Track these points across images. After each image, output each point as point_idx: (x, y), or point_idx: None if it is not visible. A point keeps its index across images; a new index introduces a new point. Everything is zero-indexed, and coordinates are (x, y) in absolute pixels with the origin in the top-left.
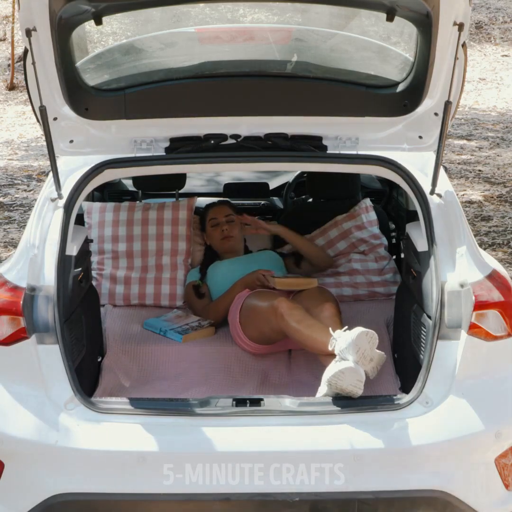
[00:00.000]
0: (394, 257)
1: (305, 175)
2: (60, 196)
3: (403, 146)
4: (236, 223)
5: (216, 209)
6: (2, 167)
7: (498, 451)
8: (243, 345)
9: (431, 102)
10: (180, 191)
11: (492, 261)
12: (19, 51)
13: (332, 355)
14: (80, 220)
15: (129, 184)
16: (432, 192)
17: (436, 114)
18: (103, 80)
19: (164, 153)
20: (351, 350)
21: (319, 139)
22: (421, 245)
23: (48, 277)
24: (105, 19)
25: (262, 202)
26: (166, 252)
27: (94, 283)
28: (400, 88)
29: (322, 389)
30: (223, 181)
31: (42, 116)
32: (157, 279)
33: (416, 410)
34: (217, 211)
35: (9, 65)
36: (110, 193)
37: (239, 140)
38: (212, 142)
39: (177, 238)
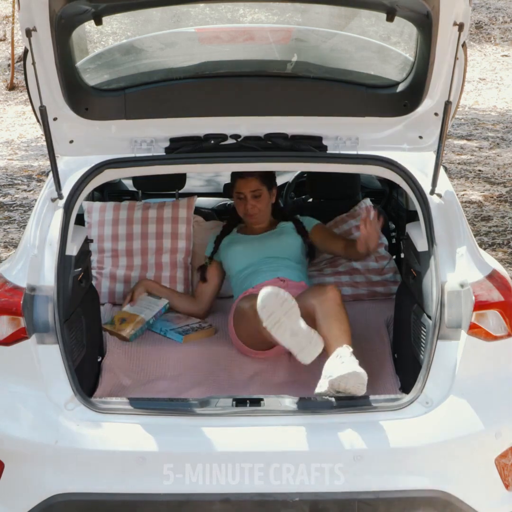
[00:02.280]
0: (394, 257)
1: (305, 175)
2: (60, 196)
3: (403, 146)
4: (264, 196)
5: (243, 182)
6: (2, 167)
7: (498, 451)
8: (241, 350)
9: (431, 102)
10: (180, 191)
11: (492, 261)
12: (19, 51)
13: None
14: (80, 220)
15: (129, 184)
16: (432, 192)
17: (436, 114)
18: (103, 80)
19: (164, 153)
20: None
21: (319, 139)
22: (421, 245)
23: (48, 277)
24: (105, 19)
25: None
26: (166, 251)
27: (94, 282)
28: (400, 88)
29: (323, 384)
30: (223, 181)
31: (42, 116)
32: (157, 277)
33: (416, 410)
34: (244, 185)
35: (9, 65)
36: (110, 193)
37: (239, 140)
38: (212, 142)
39: (177, 236)
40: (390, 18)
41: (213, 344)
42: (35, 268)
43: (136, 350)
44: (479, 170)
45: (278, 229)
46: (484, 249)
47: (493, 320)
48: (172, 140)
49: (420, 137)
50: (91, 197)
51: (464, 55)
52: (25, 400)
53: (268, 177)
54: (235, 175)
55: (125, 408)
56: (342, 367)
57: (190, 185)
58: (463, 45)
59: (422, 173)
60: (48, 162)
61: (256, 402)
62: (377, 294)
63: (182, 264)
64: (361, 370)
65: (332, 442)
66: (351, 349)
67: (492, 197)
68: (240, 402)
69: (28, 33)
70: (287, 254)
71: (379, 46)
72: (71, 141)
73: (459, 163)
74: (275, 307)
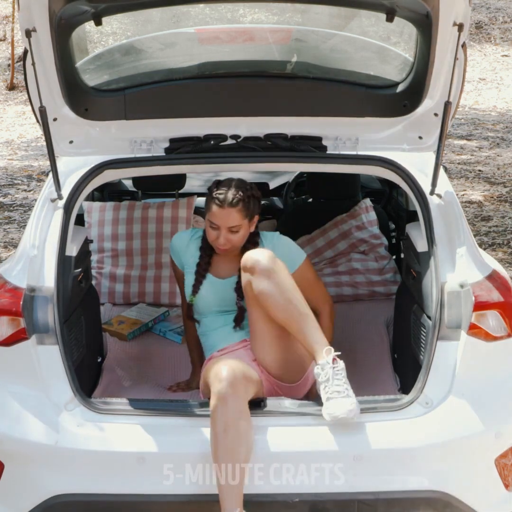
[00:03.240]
0: (394, 257)
1: (305, 175)
2: (60, 197)
3: (403, 147)
4: (243, 230)
5: (221, 213)
6: (2, 167)
7: (498, 451)
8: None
9: (431, 103)
10: (180, 191)
11: (492, 262)
12: (19, 51)
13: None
14: (80, 221)
15: (129, 184)
16: (432, 193)
17: (436, 114)
18: (103, 80)
19: (164, 154)
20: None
21: (319, 139)
22: (421, 245)
23: (48, 278)
24: (105, 19)
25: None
26: (165, 250)
27: (93, 281)
28: (400, 88)
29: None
30: None
31: (42, 117)
32: (157, 277)
33: (416, 410)
34: (221, 217)
35: (9, 65)
36: (110, 193)
37: (239, 140)
38: (212, 142)
39: None
40: (389, 19)
41: None
42: (35, 268)
43: (136, 350)
44: (479, 170)
45: None
46: (484, 249)
47: (493, 320)
48: (172, 141)
49: (420, 137)
50: (91, 197)
51: (464, 55)
52: (25, 400)
53: (254, 204)
54: (212, 199)
55: (125, 408)
56: (328, 408)
57: (190, 185)
58: (463, 45)
59: (422, 173)
60: (48, 162)
61: (256, 403)
62: (377, 294)
63: None
64: (342, 412)
65: (332, 442)
66: (326, 365)
67: (492, 197)
68: None
69: (28, 33)
70: None
71: (378, 47)
72: (71, 142)
73: (459, 163)
74: None
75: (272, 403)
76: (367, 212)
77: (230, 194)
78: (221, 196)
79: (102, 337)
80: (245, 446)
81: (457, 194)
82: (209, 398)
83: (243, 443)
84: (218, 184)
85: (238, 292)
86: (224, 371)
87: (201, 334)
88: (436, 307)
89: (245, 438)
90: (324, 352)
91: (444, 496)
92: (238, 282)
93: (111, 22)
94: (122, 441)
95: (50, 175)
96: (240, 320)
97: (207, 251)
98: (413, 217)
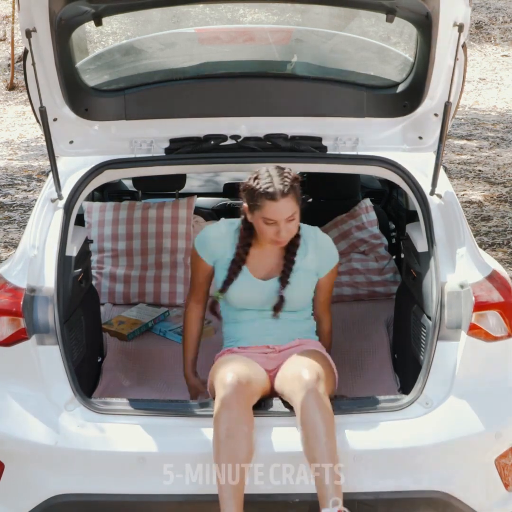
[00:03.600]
0: (394, 257)
1: (305, 175)
2: (60, 197)
3: (403, 147)
4: (297, 216)
5: (277, 207)
6: (2, 167)
7: (498, 452)
8: None
9: (431, 103)
10: (180, 191)
11: (492, 262)
12: (19, 51)
13: None
14: (80, 221)
15: (129, 184)
16: (432, 193)
17: (436, 114)
18: (103, 80)
19: (164, 154)
20: None
21: (319, 139)
22: (421, 245)
23: (48, 278)
24: (105, 19)
25: None
26: (165, 250)
27: (93, 282)
28: (400, 88)
29: None
30: (222, 181)
31: (42, 117)
32: (157, 277)
33: (416, 411)
34: (278, 211)
35: (9, 65)
36: (110, 193)
37: (239, 140)
38: (212, 142)
39: (177, 236)
40: (389, 19)
41: (212, 344)
42: (35, 269)
43: (136, 350)
44: (479, 170)
45: (293, 276)
46: (484, 249)
47: (493, 320)
48: (172, 141)
49: (420, 137)
50: (91, 197)
51: (464, 55)
52: (25, 401)
53: (298, 186)
54: (261, 196)
55: (125, 408)
56: None
57: (189, 185)
58: (463, 45)
59: (422, 173)
60: (48, 162)
61: (257, 403)
62: (377, 294)
63: (182, 264)
64: None
65: None
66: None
67: (492, 197)
68: None
69: (28, 34)
70: (293, 307)
71: (379, 47)
72: (71, 142)
73: (459, 163)
74: None
75: (271, 403)
76: (367, 212)
77: (278, 184)
78: (271, 190)
79: (102, 337)
80: (246, 449)
81: (457, 194)
82: (213, 398)
83: (245, 446)
84: (255, 178)
85: (281, 281)
86: (229, 377)
87: (229, 322)
88: (436, 307)
89: (247, 442)
90: (331, 503)
91: (444, 496)
92: (283, 271)
93: (111, 22)
94: (122, 441)
95: (50, 175)
96: (278, 309)
97: (245, 248)
98: (413, 217)
